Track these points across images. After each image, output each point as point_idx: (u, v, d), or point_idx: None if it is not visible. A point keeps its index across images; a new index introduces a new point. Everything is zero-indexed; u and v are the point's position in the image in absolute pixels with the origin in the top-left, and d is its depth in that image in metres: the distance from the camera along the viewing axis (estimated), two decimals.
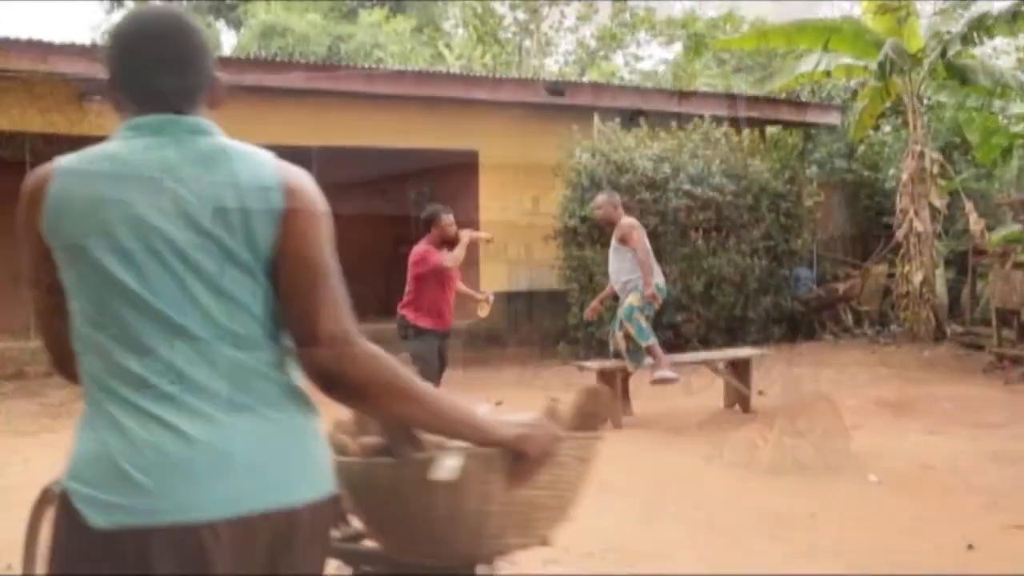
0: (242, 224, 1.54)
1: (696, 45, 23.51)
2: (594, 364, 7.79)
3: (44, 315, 1.63)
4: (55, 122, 9.96)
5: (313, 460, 1.60)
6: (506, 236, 11.97)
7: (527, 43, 26.86)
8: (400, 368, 1.61)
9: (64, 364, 1.64)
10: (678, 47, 28.09)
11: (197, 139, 1.62)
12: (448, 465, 1.74)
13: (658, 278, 7.55)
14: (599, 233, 10.54)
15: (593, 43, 28.79)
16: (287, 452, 1.56)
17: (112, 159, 1.56)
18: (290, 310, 1.58)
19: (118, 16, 22.90)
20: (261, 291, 1.56)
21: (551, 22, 28.44)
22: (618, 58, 29.51)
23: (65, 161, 1.61)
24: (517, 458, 1.74)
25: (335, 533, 2.05)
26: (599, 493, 5.25)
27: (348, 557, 2.13)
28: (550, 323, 12.16)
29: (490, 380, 10.06)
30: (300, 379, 1.62)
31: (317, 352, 1.56)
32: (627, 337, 7.47)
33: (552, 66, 28.64)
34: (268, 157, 1.64)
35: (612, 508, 5.03)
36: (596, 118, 11.43)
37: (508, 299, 12.19)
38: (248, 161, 1.61)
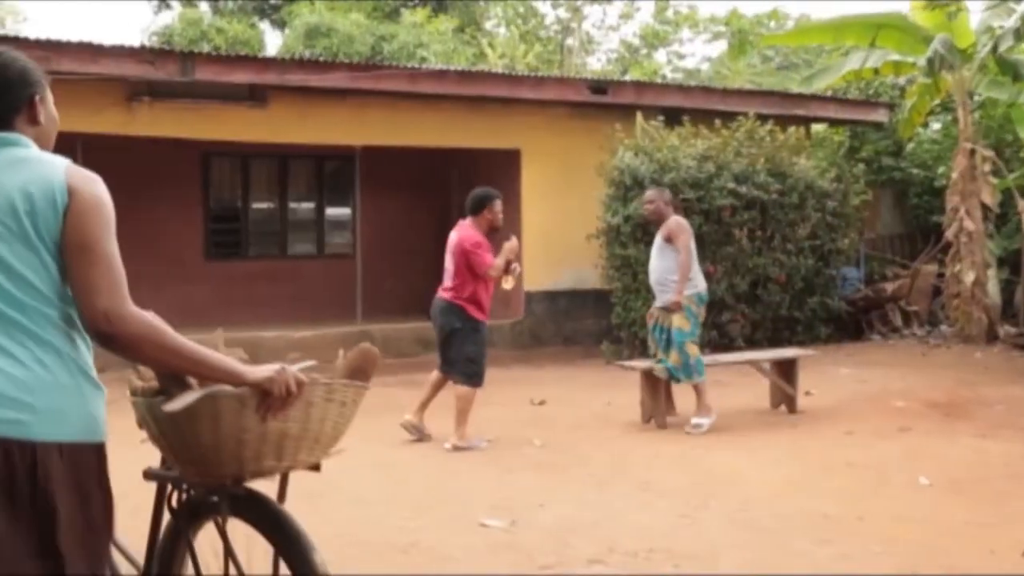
0: (32, 216, 1.98)
1: (740, 42, 23.30)
2: (638, 364, 7.75)
3: None
4: (104, 123, 10.12)
5: (59, 407, 1.97)
6: (548, 235, 11.97)
7: (569, 41, 26.82)
8: (165, 330, 2.06)
9: None
10: (721, 45, 27.89)
11: (4, 150, 2.07)
12: (181, 401, 2.17)
13: (700, 285, 7.29)
14: (642, 232, 10.49)
15: (636, 41, 28.67)
16: (35, 394, 1.94)
17: None
18: (72, 286, 2.00)
19: (166, 18, 23.02)
20: (46, 269, 1.99)
21: (593, 20, 28.39)
22: (660, 56, 29.37)
23: None
24: (264, 396, 2.16)
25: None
26: (642, 492, 5.28)
27: (162, 479, 2.56)
28: (593, 322, 12.13)
29: (532, 379, 10.06)
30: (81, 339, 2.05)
31: (91, 320, 1.97)
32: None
33: (594, 64, 28.58)
34: (62, 164, 2.07)
35: (656, 508, 5.00)
36: (639, 116, 11.37)
37: (551, 298, 12.18)
38: (43, 167, 2.05)
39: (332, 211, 13.78)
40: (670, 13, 28.31)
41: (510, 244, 6.74)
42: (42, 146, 2.21)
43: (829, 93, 13.69)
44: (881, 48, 12.07)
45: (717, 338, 10.63)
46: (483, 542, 4.40)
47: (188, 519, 2.52)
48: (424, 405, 7.13)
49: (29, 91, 2.19)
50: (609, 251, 11.04)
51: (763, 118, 11.74)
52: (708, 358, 8.24)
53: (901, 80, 14.15)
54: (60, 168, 2.06)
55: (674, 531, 4.58)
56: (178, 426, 2.23)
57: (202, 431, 2.21)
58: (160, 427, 2.30)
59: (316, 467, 2.50)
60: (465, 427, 6.64)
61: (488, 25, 26.62)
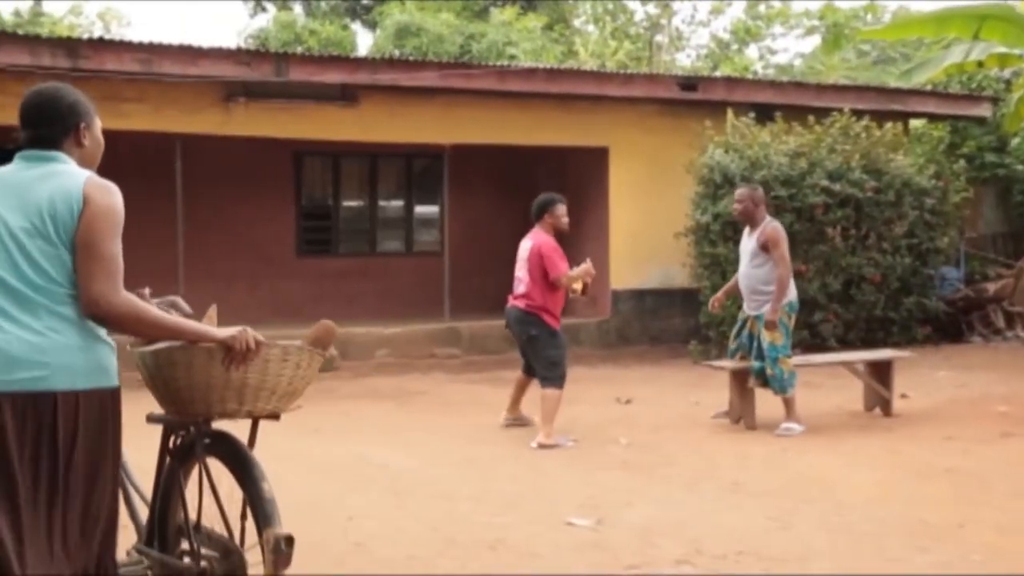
0: (54, 219, 2.55)
1: (835, 37, 22.76)
2: (726, 364, 7.63)
3: None
4: (202, 123, 10.41)
5: (69, 363, 2.51)
6: (636, 233, 11.89)
7: (659, 38, 26.58)
8: (147, 309, 2.67)
9: None
10: (815, 39, 27.29)
11: (45, 164, 2.66)
12: (156, 345, 2.88)
13: (792, 294, 7.06)
14: (732, 230, 10.35)
15: (726, 36, 28.26)
16: (49, 355, 2.49)
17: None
18: (76, 275, 2.55)
19: (261, 20, 23.56)
20: (61, 261, 2.54)
21: (683, 16, 28.08)
22: (752, 52, 28.89)
23: None
24: (227, 351, 2.75)
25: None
26: (731, 494, 5.20)
27: (158, 420, 3.16)
28: (680, 321, 12.01)
29: (618, 378, 10.00)
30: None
31: (86, 303, 2.54)
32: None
33: (683, 61, 28.26)
34: (83, 176, 2.64)
35: (745, 510, 4.92)
36: (729, 113, 11.20)
37: (638, 297, 12.10)
38: (68, 179, 2.62)
39: (421, 209, 13.92)
40: (762, 8, 27.83)
41: (586, 267, 6.75)
42: (88, 164, 2.79)
43: (929, 87, 13.27)
44: (985, 40, 11.63)
45: (809, 338, 10.40)
46: (569, 540, 4.39)
47: (181, 458, 3.16)
48: (515, 403, 7.18)
49: (76, 120, 2.76)
50: (698, 249, 10.91)
51: (859, 114, 11.45)
52: (800, 359, 8.08)
53: (1006, 73, 13.63)
54: (80, 180, 2.62)
55: (764, 534, 4.50)
56: (160, 371, 2.89)
57: (178, 375, 2.85)
58: (148, 372, 2.95)
59: (275, 416, 3.08)
60: (551, 426, 6.64)
61: (577, 23, 26.55)
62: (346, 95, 10.88)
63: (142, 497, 3.40)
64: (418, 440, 6.81)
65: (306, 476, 5.65)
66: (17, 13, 27.66)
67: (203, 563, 2.99)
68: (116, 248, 2.60)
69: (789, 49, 32.60)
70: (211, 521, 3.06)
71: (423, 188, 13.82)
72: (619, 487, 5.42)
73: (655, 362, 11.19)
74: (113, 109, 10.00)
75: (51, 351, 2.51)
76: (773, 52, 29.39)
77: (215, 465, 3.04)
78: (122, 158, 12.03)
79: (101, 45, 9.80)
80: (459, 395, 8.90)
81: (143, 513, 3.33)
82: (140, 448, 3.50)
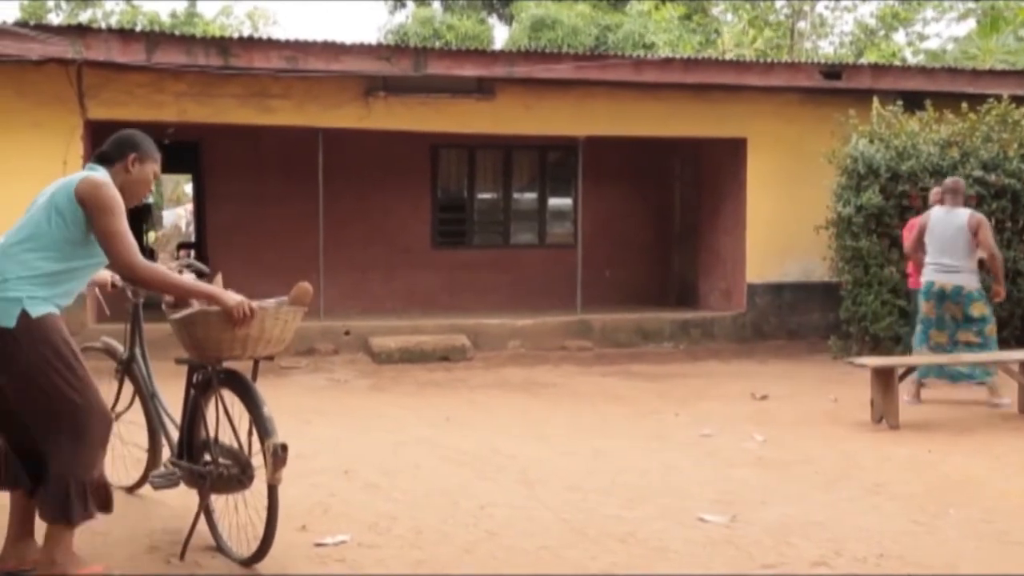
0: (58, 196, 3.49)
1: (992, 20, 21.59)
2: (869, 360, 7.37)
3: None
4: (343, 117, 10.72)
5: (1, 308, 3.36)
6: (774, 226, 11.60)
7: (801, 25, 25.81)
8: (166, 272, 3.63)
9: None
10: (970, 24, 25.97)
11: (83, 172, 3.60)
12: (181, 313, 3.82)
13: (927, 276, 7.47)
14: (876, 223, 9.99)
15: (873, 23, 27.21)
16: None
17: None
18: (105, 254, 3.50)
19: (400, 17, 24.11)
20: (63, 231, 3.46)
21: (826, 2, 27.19)
22: (899, 37, 27.75)
23: None
24: (230, 315, 3.58)
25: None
26: (872, 495, 5.02)
27: (184, 362, 4.04)
28: (819, 316, 11.68)
29: (754, 373, 9.79)
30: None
31: (119, 271, 3.54)
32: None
33: (826, 48, 27.38)
34: (85, 173, 3.57)
35: (887, 512, 4.74)
36: (875, 101, 10.78)
37: (775, 290, 11.82)
38: (78, 175, 3.56)
39: (554, 201, 13.95)
40: None
41: None
42: (129, 190, 3.63)
43: None
44: None
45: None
46: (702, 536, 4.33)
47: (202, 391, 4.03)
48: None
49: (129, 151, 3.66)
50: (839, 243, 10.55)
51: (1018, 100, 10.83)
52: (949, 357, 7.73)
53: None
54: (79, 178, 3.53)
55: (907, 538, 4.32)
56: (183, 328, 3.79)
57: (196, 332, 3.74)
58: (176, 327, 3.84)
59: (270, 358, 3.88)
60: None
61: (715, 11, 26.06)
62: (482, 88, 11.00)
63: (173, 421, 4.35)
64: (548, 431, 6.83)
65: (438, 464, 5.75)
66: (173, 15, 29.10)
67: (221, 469, 3.86)
68: (120, 227, 3.43)
69: (941, 34, 31.07)
70: (226, 437, 3.91)
71: (557, 180, 13.85)
72: (754, 484, 5.31)
73: (792, 357, 10.90)
74: (260, 105, 10.43)
75: None
76: (924, 38, 28.14)
77: (228, 395, 3.87)
78: (267, 152, 12.61)
79: (250, 43, 10.19)
80: (589, 388, 8.88)
81: (175, 434, 4.26)
82: (171, 384, 4.53)
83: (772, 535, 4.34)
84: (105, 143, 3.70)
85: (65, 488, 3.39)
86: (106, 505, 3.54)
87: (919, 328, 7.89)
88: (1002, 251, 10.25)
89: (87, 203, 3.42)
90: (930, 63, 20.22)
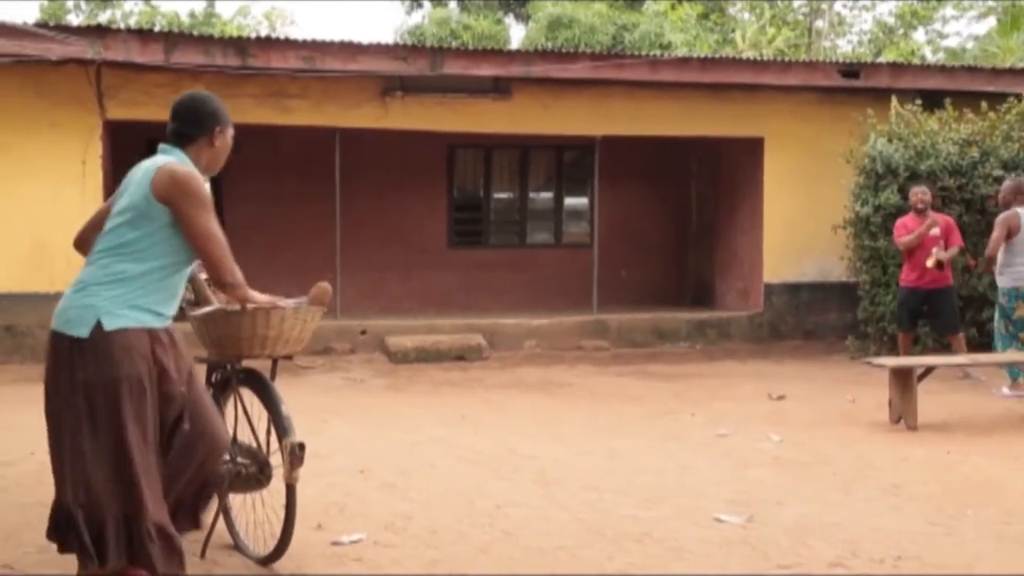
0: (135, 195, 3.15)
1: (1013, 17, 21.42)
2: (887, 361, 7.33)
3: (88, 224, 3.49)
4: (361, 117, 10.74)
5: (75, 315, 3.05)
6: (791, 225, 11.55)
7: (819, 23, 25.69)
8: (245, 286, 3.34)
9: (76, 247, 3.51)
10: (990, 22, 25.79)
11: (162, 156, 3.24)
12: (200, 310, 3.85)
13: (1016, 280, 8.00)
14: (893, 222, 9.94)
15: (892, 21, 27.06)
16: (67, 303, 3.11)
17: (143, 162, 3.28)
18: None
19: (416, 17, 24.11)
20: (151, 235, 3.11)
21: (845, 1, 27.06)
22: (919, 36, 27.58)
23: None
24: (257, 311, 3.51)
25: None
26: (890, 496, 4.99)
27: (204, 361, 3.97)
28: (837, 316, 11.63)
29: (770, 373, 9.76)
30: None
31: (213, 273, 3.23)
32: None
33: (844, 47, 27.24)
34: (164, 160, 3.20)
35: (905, 513, 4.72)
36: (894, 100, 10.72)
37: (792, 290, 11.77)
38: (156, 164, 3.18)
39: (571, 201, 13.93)
40: None
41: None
42: (214, 163, 3.36)
43: None
44: None
45: (977, 337, 9.86)
46: (718, 537, 4.32)
47: (221, 389, 4.03)
48: None
49: (213, 124, 3.31)
50: (857, 242, 10.50)
51: None
52: (967, 358, 7.69)
53: None
54: (157, 165, 3.17)
55: (926, 539, 4.29)
56: (203, 324, 3.80)
57: (216, 329, 3.74)
58: (196, 324, 3.85)
59: (289, 357, 3.86)
60: None
61: (732, 10, 25.98)
62: (499, 88, 11.01)
63: None
64: (564, 431, 6.83)
65: (454, 463, 5.76)
66: (192, 15, 29.24)
67: (239, 468, 3.80)
68: (217, 228, 3.18)
69: (961, 33, 30.83)
70: (244, 436, 3.92)
71: (573, 180, 13.83)
72: (770, 485, 5.29)
73: (809, 358, 10.85)
74: (278, 105, 10.46)
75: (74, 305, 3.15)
76: (943, 36, 27.97)
77: (246, 394, 3.90)
78: (285, 152, 12.66)
79: (268, 44, 10.22)
80: (605, 387, 8.87)
81: None
82: None
83: (788, 536, 4.33)
84: (177, 117, 3.29)
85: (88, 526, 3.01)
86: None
87: (1010, 329, 8.01)
88: None
89: (171, 198, 3.07)
90: (949, 62, 20.10)
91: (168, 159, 3.19)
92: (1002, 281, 8.16)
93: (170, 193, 3.07)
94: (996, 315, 8.26)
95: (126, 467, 2.98)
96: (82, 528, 2.97)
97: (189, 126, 3.27)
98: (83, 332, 3.00)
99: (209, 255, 3.14)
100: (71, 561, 3.75)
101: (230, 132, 3.40)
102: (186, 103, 3.30)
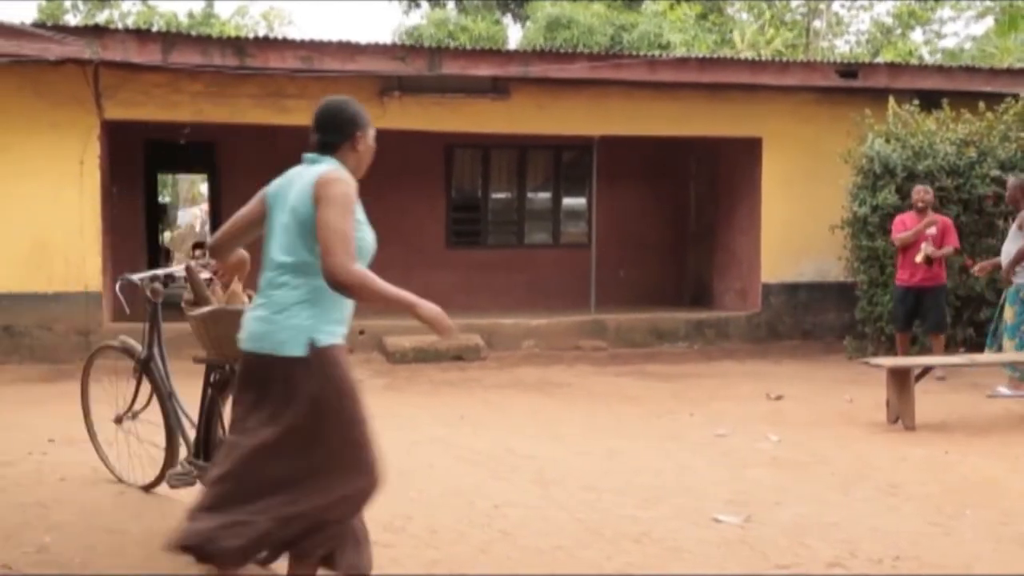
0: (298, 205, 3.14)
1: (1011, 18, 21.45)
2: (885, 361, 7.34)
3: (227, 230, 3.49)
4: None
5: (287, 336, 3.08)
6: (789, 225, 11.56)
7: (816, 24, 25.72)
8: (374, 277, 3.06)
9: (212, 252, 3.62)
10: (988, 22, 25.83)
11: (313, 166, 3.25)
12: (198, 310, 3.90)
13: None
14: (891, 222, 9.95)
15: (889, 21, 27.08)
16: (273, 326, 3.11)
17: (288, 173, 3.35)
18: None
19: (414, 18, 24.09)
20: (315, 244, 3.05)
21: (843, 1, 27.09)
22: (916, 36, 27.60)
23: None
24: (430, 323, 3.30)
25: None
26: (888, 496, 4.99)
27: (202, 361, 4.06)
28: (835, 316, 11.63)
29: (768, 373, 9.76)
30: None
31: (329, 269, 2.98)
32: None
33: (842, 47, 27.27)
34: (322, 169, 3.18)
35: (903, 513, 4.72)
36: (892, 101, 10.73)
37: (790, 290, 11.78)
38: (314, 174, 3.16)
39: (569, 201, 13.94)
40: None
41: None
42: (359, 167, 3.35)
43: None
44: None
45: (974, 337, 9.87)
46: (716, 537, 4.32)
47: (219, 390, 4.05)
48: None
49: (353, 129, 3.30)
50: (855, 242, 10.51)
51: None
52: (964, 358, 7.70)
53: None
54: (316, 175, 3.15)
55: (924, 539, 4.30)
56: (202, 324, 3.87)
57: (215, 329, 3.80)
58: (195, 324, 3.91)
59: None
60: None
61: (731, 11, 25.99)
62: (497, 88, 11.00)
63: (190, 420, 4.40)
64: (563, 431, 6.83)
65: (452, 463, 5.76)
66: (191, 15, 29.23)
67: None
68: (344, 224, 3.02)
69: (959, 33, 30.81)
70: None
71: (571, 180, 13.83)
72: (769, 485, 5.29)
73: (807, 358, 10.86)
74: (275, 105, 10.46)
75: (268, 321, 3.17)
76: (941, 36, 28.00)
77: None
78: (283, 153, 12.57)
79: (266, 44, 10.21)
80: (604, 387, 8.88)
81: (192, 433, 4.33)
82: (188, 383, 4.54)
83: (787, 536, 4.33)
84: (318, 127, 3.29)
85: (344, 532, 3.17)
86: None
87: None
88: None
89: (319, 198, 3.05)
90: (947, 62, 20.11)
91: (325, 167, 3.19)
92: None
93: (323, 193, 3.06)
94: (1015, 312, 7.92)
95: (368, 464, 3.13)
96: (326, 533, 3.10)
97: (331, 134, 3.28)
98: (300, 352, 3.05)
99: (333, 248, 2.97)
100: (70, 562, 3.76)
101: (371, 134, 3.38)
102: (325, 112, 3.31)
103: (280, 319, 3.09)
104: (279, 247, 3.15)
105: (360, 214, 3.17)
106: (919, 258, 8.75)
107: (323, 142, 3.27)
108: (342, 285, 2.95)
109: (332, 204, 3.02)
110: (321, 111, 3.31)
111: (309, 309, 3.10)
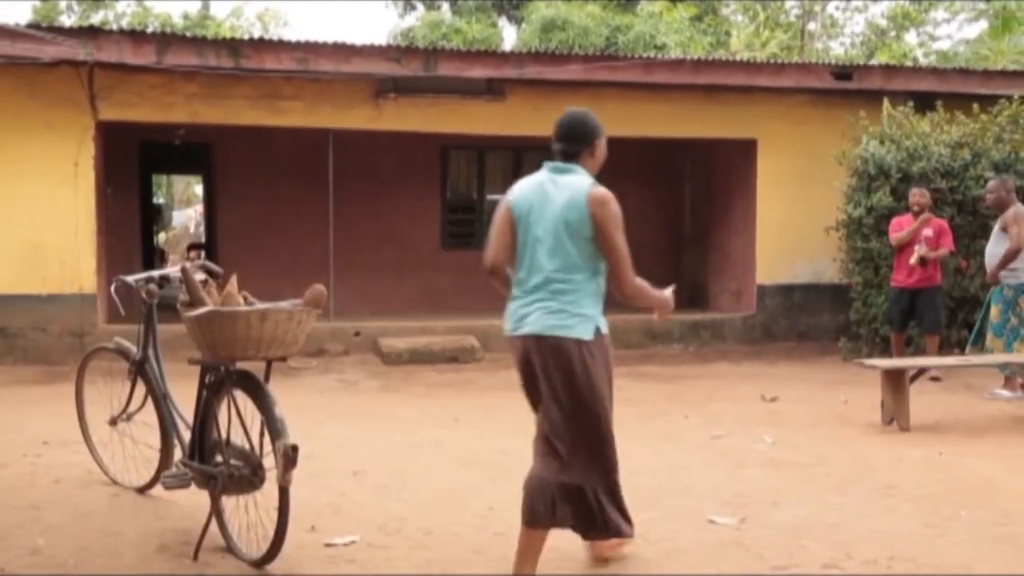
0: (569, 216, 3.58)
1: (1004, 20, 21.50)
2: (879, 362, 7.35)
3: (501, 250, 3.80)
4: (354, 118, 10.72)
5: (577, 322, 3.62)
6: (784, 227, 11.57)
7: (811, 26, 25.76)
8: (646, 285, 3.76)
9: (495, 272, 3.85)
10: (982, 25, 25.88)
11: (564, 175, 3.67)
12: (193, 311, 3.85)
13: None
14: (886, 224, 9.97)
15: (884, 23, 27.13)
16: (564, 315, 3.62)
17: (533, 182, 3.76)
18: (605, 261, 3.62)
19: (410, 20, 24.11)
20: (584, 248, 3.60)
21: (837, 3, 27.13)
22: (911, 38, 27.66)
23: (520, 181, 3.82)
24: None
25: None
26: (884, 497, 5.00)
27: (197, 362, 4.05)
28: (829, 317, 11.64)
29: (764, 374, 9.77)
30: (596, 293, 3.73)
31: (616, 285, 3.62)
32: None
33: (837, 49, 27.31)
34: (586, 183, 3.64)
35: (899, 514, 4.72)
36: (886, 102, 10.75)
37: (785, 292, 11.79)
38: (577, 187, 3.61)
39: None
40: None
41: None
42: (596, 170, 3.75)
43: None
44: None
45: (968, 338, 9.88)
46: (712, 538, 4.32)
47: (214, 391, 4.03)
48: None
49: (593, 138, 3.74)
50: (849, 244, 10.53)
51: None
52: (959, 359, 7.71)
53: None
54: (586, 187, 3.62)
55: (920, 540, 4.30)
56: (197, 326, 3.83)
57: (210, 330, 3.78)
58: (190, 326, 3.89)
59: (283, 359, 3.89)
60: None
61: (726, 12, 26.02)
62: (492, 89, 11.00)
63: (185, 422, 4.40)
64: None
65: (448, 465, 5.75)
66: (186, 16, 29.18)
67: (232, 470, 3.89)
68: (619, 239, 3.59)
69: (953, 35, 30.89)
70: (238, 438, 3.94)
71: None
72: (765, 486, 5.29)
73: (802, 359, 10.87)
74: (271, 106, 10.45)
75: (553, 312, 3.68)
76: (935, 39, 28.06)
77: (240, 396, 3.90)
78: (278, 153, 12.63)
79: (261, 45, 10.20)
80: None
81: (186, 434, 4.32)
82: (183, 385, 4.54)
83: (783, 537, 4.33)
84: (561, 137, 3.74)
85: (607, 504, 3.82)
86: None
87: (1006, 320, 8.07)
88: None
89: (603, 219, 3.56)
90: (941, 64, 20.13)
91: (587, 180, 3.66)
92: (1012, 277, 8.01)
93: (603, 214, 3.55)
94: (1000, 311, 8.04)
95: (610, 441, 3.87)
96: (612, 502, 3.81)
97: (574, 143, 3.71)
98: (589, 336, 3.62)
99: (621, 270, 3.62)
100: (64, 564, 3.75)
101: (604, 141, 3.81)
102: (569, 123, 3.73)
103: (571, 309, 3.59)
104: (551, 252, 3.60)
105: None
106: (913, 260, 8.77)
107: (567, 151, 3.69)
108: (629, 296, 3.68)
109: (616, 226, 3.56)
110: (565, 122, 3.73)
111: (593, 303, 3.65)
